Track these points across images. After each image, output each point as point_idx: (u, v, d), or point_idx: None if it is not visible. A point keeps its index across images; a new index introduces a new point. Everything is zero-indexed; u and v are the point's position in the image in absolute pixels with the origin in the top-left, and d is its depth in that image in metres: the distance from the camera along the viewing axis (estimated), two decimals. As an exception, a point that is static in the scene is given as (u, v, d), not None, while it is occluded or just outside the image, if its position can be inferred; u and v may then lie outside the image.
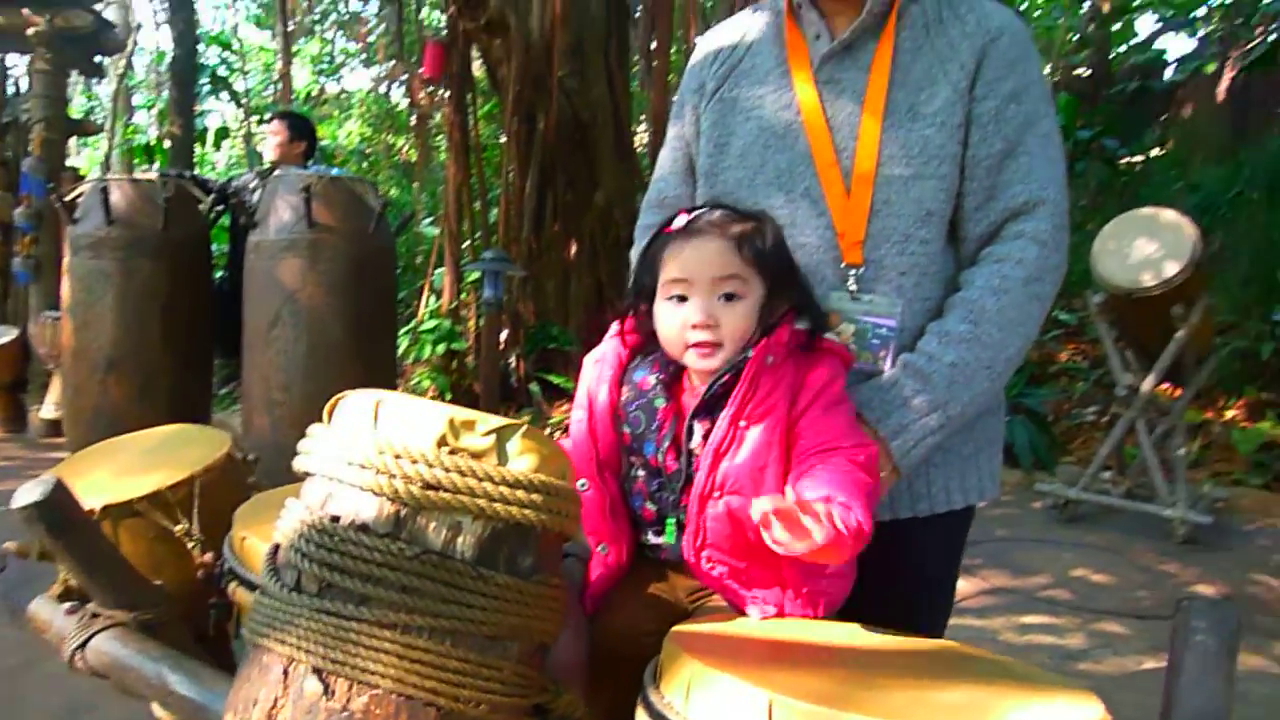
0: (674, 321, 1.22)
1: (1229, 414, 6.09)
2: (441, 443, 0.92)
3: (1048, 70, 9.83)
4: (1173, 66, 10.84)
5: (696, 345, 1.20)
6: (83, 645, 1.34)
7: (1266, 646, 3.37)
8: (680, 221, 1.26)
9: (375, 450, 0.90)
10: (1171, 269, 4.28)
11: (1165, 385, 5.07)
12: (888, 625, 1.12)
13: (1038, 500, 5.11)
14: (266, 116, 5.40)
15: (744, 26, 1.54)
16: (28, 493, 1.23)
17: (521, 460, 0.94)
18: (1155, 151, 9.83)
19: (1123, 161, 8.86)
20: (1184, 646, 1.04)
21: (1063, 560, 4.32)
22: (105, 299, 4.72)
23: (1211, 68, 9.70)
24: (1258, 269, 6.74)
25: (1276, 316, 5.54)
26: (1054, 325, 7.30)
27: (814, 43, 1.43)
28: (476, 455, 0.92)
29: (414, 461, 0.90)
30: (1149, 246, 4.37)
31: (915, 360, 1.31)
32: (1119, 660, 3.24)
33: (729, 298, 1.20)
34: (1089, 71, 10.87)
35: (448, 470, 0.90)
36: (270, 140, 5.03)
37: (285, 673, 0.88)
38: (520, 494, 0.92)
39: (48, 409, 6.18)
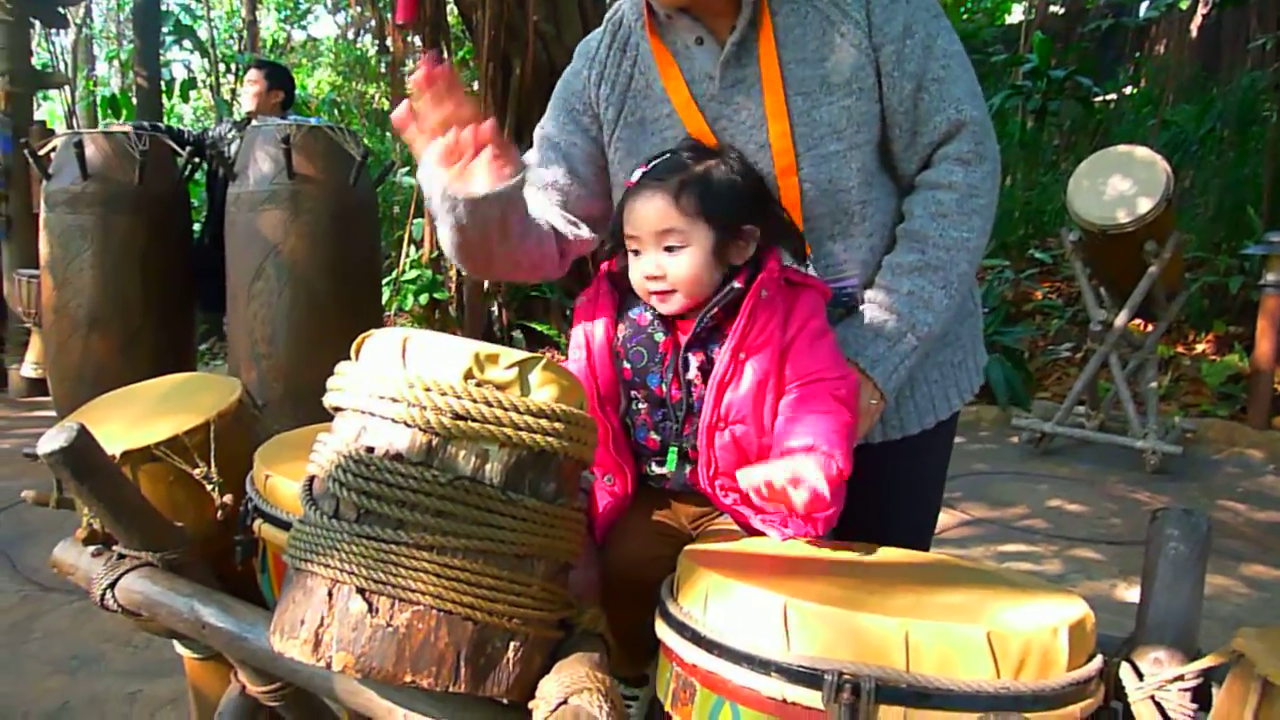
0: (633, 273, 1.29)
1: (1198, 348, 6.24)
2: (468, 376, 0.96)
3: (1021, 9, 9.81)
4: (1146, 3, 10.84)
5: (654, 293, 1.27)
6: (112, 585, 1.39)
7: (1232, 568, 3.52)
8: (635, 176, 1.30)
9: (406, 384, 0.95)
10: (1145, 206, 4.36)
11: (1137, 321, 5.20)
12: (900, 533, 1.21)
13: (1014, 435, 5.25)
14: (243, 66, 5.31)
15: (620, 40, 1.48)
16: (52, 439, 1.26)
17: (543, 391, 0.99)
18: (1128, 89, 9.89)
19: (1096, 100, 8.90)
20: (1158, 553, 1.11)
21: (1039, 492, 4.46)
22: (84, 255, 4.69)
23: (1185, 4, 9.72)
24: (1226, 205, 6.85)
25: (1245, 251, 5.65)
26: (1029, 264, 7.40)
27: (695, 49, 1.39)
28: (501, 387, 0.97)
29: (443, 394, 0.94)
30: (1123, 184, 4.44)
31: (876, 295, 1.37)
32: (1093, 584, 3.37)
33: (670, 249, 1.26)
34: (1063, 9, 10.86)
35: (475, 401, 0.95)
36: (248, 90, 4.98)
37: (330, 594, 0.94)
38: (543, 423, 0.97)
39: (28, 367, 6.15)
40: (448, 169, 1.21)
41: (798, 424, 1.19)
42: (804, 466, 1.10)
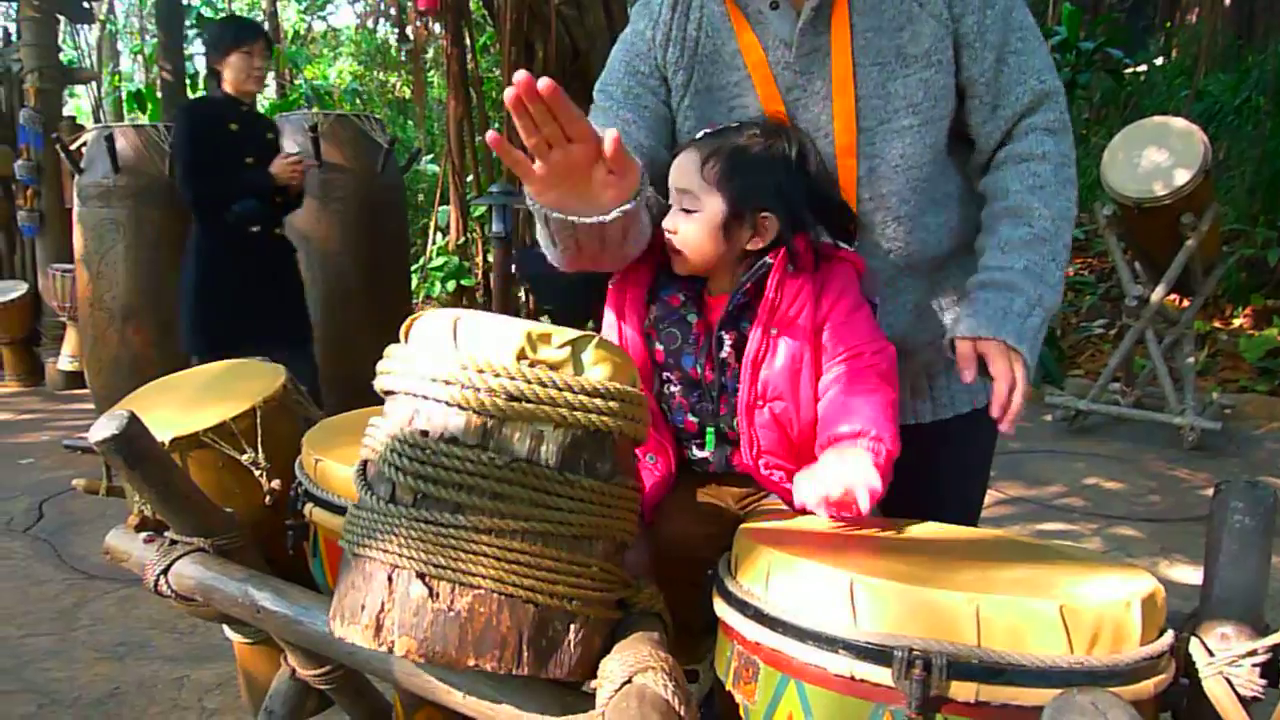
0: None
1: (1236, 322, 6.14)
2: (520, 356, 0.96)
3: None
4: (1177, -29, 10.62)
5: (671, 247, 1.26)
6: (165, 571, 1.40)
7: (1274, 546, 3.46)
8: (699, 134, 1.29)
9: (459, 366, 0.94)
10: (1182, 177, 4.28)
11: (1173, 296, 5.11)
12: (951, 511, 1.20)
13: (1048, 413, 5.19)
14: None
15: (684, 1, 1.40)
16: (104, 427, 1.27)
17: (596, 369, 0.98)
18: (1159, 60, 9.71)
19: (1126, 71, 8.74)
20: (1222, 526, 1.09)
21: (1075, 469, 4.42)
22: (117, 248, 4.73)
23: (1216, -29, 9.51)
24: (1264, 176, 6.72)
25: (1284, 222, 5.55)
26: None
27: (770, 14, 1.33)
28: (554, 366, 0.96)
29: (496, 375, 0.94)
30: (1159, 155, 4.36)
31: (994, 276, 1.32)
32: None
33: (686, 211, 1.25)
34: (1091, -20, 10.66)
35: (529, 382, 0.94)
36: None
37: (389, 579, 0.94)
38: (597, 401, 0.96)
39: (64, 361, 6.23)
40: (557, 189, 1.09)
41: (843, 407, 1.18)
42: (854, 470, 1.09)
